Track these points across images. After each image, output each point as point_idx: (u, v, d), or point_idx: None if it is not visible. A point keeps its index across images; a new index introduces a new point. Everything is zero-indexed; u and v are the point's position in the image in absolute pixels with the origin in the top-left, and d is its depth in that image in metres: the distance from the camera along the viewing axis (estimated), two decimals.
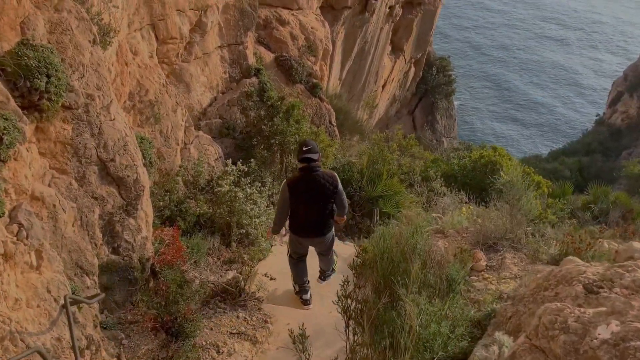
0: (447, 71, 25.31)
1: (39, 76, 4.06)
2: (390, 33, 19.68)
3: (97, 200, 4.76)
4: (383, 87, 21.27)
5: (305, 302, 6.13)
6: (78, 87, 4.71)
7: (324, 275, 6.46)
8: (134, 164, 5.03)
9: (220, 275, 5.75)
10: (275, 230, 5.99)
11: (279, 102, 9.17)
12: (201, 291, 5.08)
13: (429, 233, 4.47)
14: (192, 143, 8.10)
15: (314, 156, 5.45)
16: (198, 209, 7.24)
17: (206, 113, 8.77)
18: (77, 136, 4.63)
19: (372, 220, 9.92)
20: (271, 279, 5.99)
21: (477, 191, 11.02)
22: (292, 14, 13.54)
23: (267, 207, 8.02)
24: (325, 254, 6.22)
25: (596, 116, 50.37)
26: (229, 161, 7.68)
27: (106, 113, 4.94)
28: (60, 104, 4.48)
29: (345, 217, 6.00)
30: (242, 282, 5.82)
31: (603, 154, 39.85)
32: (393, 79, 21.73)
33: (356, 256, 4.14)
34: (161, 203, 7.00)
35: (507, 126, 49.30)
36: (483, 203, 9.18)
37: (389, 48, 20.54)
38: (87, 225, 4.62)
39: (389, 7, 18.29)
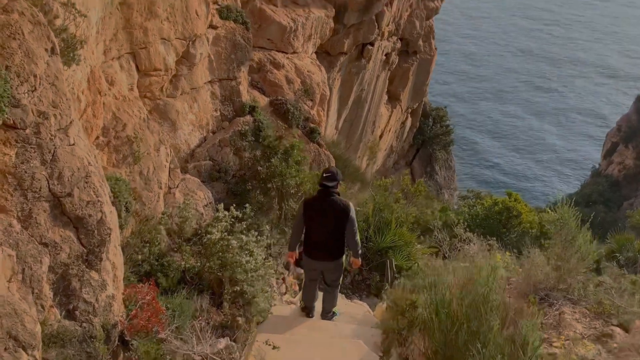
0: (444, 121, 24.75)
1: None
2: (387, 81, 19.13)
3: (47, 248, 3.61)
4: (380, 137, 20.54)
5: (308, 314, 6.60)
6: (27, 102, 3.67)
7: (326, 316, 6.62)
8: (99, 201, 3.92)
9: (210, 345, 4.51)
10: (291, 246, 6.44)
11: (276, 142, 8.20)
12: None
13: (502, 279, 3.32)
14: (177, 187, 7.02)
15: (330, 184, 5.92)
16: (183, 263, 6.08)
17: (194, 154, 7.75)
18: (22, 163, 3.54)
19: (386, 274, 8.75)
20: (274, 347, 4.77)
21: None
22: (287, 58, 12.85)
23: (264, 259, 6.86)
24: (331, 288, 6.50)
25: (592, 168, 50.09)
26: (221, 206, 6.58)
27: (63, 136, 3.88)
28: (0, 122, 3.44)
29: (359, 260, 6.35)
30: (238, 353, 4.59)
31: (604, 205, 39.13)
32: (390, 129, 21.05)
33: (401, 314, 3.02)
34: (139, 256, 5.83)
35: (510, 177, 48.78)
36: (505, 250, 8.11)
37: (385, 97, 19.96)
38: (32, 281, 3.45)
39: (386, 55, 17.79)
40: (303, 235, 6.28)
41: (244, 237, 6.03)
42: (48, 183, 3.66)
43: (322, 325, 6.12)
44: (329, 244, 6.07)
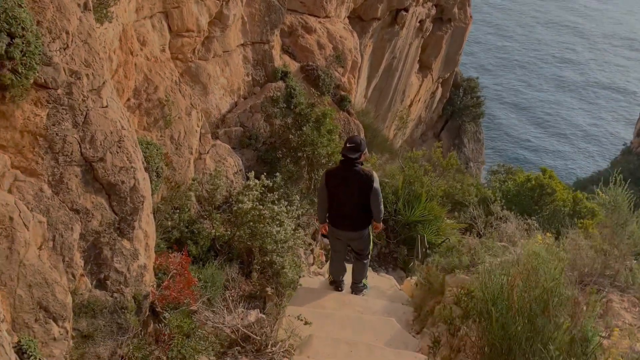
0: (475, 93, 24.03)
1: None
2: (419, 49, 18.54)
3: (79, 214, 3.47)
4: (409, 106, 20.05)
5: (337, 289, 6.49)
6: (58, 60, 3.48)
7: (356, 287, 6.49)
8: (132, 167, 3.75)
9: (241, 318, 4.39)
10: (320, 218, 6.28)
11: (308, 110, 7.93)
12: (215, 342, 3.74)
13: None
14: (208, 153, 6.85)
15: (353, 155, 5.74)
16: (213, 231, 5.95)
17: (225, 120, 7.54)
18: (53, 125, 3.38)
19: (416, 249, 8.55)
20: (306, 323, 4.63)
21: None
22: (319, 22, 12.40)
23: (294, 230, 6.70)
24: (359, 257, 6.37)
25: (623, 145, 48.64)
26: (251, 174, 6.39)
27: (96, 97, 3.69)
28: (31, 80, 3.25)
29: (381, 224, 6.32)
30: (269, 328, 4.46)
31: (635, 184, 37.96)
32: (420, 98, 20.53)
33: (455, 303, 2.81)
34: (169, 223, 5.72)
35: (533, 154, 47.77)
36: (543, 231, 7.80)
37: (417, 66, 19.39)
38: (62, 249, 3.32)
39: (420, 21, 17.18)
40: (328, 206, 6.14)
41: (275, 207, 5.85)
42: (80, 147, 3.50)
43: (351, 300, 5.98)
44: (353, 214, 5.97)
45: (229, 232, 6.12)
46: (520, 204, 12.04)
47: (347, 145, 5.80)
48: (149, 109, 5.97)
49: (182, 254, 4.21)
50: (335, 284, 6.53)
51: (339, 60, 12.15)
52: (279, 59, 8.62)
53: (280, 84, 8.12)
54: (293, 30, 11.77)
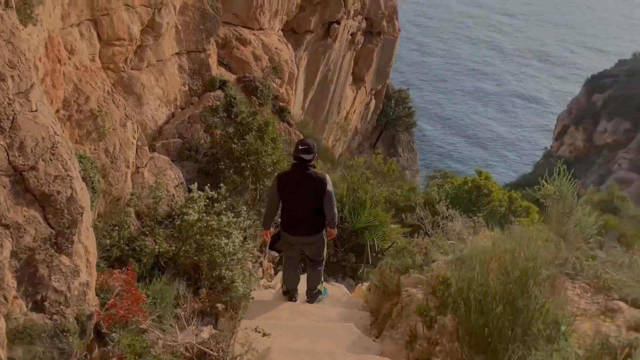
0: (406, 103, 24.65)
1: None
2: (352, 62, 18.78)
3: (9, 230, 3.11)
4: (345, 118, 20.23)
5: (291, 299, 6.24)
6: None
7: (311, 295, 6.34)
8: (68, 175, 3.42)
9: (195, 334, 4.10)
10: (265, 224, 6.09)
11: (250, 119, 7.74)
12: None
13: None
14: (146, 166, 6.50)
15: (307, 156, 5.61)
16: (157, 247, 5.60)
17: (162, 131, 7.21)
18: None
19: (365, 254, 8.49)
20: (264, 334, 4.39)
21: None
22: (254, 34, 12.28)
23: (242, 241, 6.45)
24: (314, 263, 6.21)
25: (544, 149, 51.51)
26: (194, 186, 6.10)
27: (24, 101, 3.35)
28: None
29: (335, 230, 6.09)
30: (224, 343, 4.20)
31: None
32: (355, 110, 20.77)
33: (431, 292, 2.69)
34: (108, 241, 5.33)
35: (460, 164, 49.64)
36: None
37: (350, 79, 19.63)
38: None
39: (351, 34, 17.42)
40: (280, 212, 6.04)
41: (223, 217, 5.59)
42: (7, 154, 3.15)
43: (306, 309, 5.79)
44: (307, 218, 5.81)
45: (173, 248, 5.78)
46: (458, 206, 12.32)
47: (300, 147, 5.68)
48: (80, 120, 5.58)
49: (127, 269, 3.88)
50: (289, 294, 6.30)
51: (275, 72, 12.04)
52: (216, 68, 8.39)
53: (219, 93, 7.90)
54: (227, 42, 11.57)
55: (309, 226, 5.85)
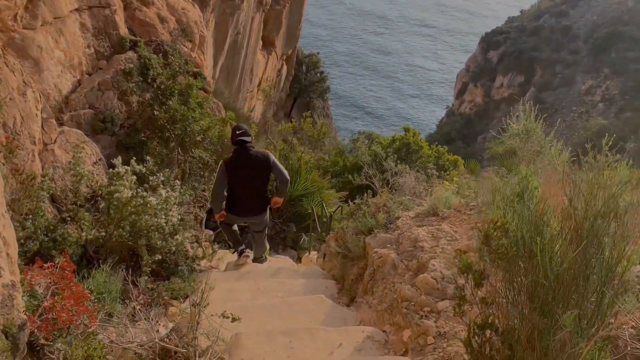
0: (318, 68, 24.16)
1: None
2: (262, 25, 17.88)
3: None
4: (258, 86, 19.40)
5: (243, 252, 6.56)
6: None
7: (259, 261, 6.60)
8: None
9: (157, 331, 3.38)
10: (217, 209, 6.03)
11: (170, 82, 6.84)
12: None
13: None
14: (55, 142, 5.48)
15: (247, 138, 5.79)
16: (84, 234, 4.71)
17: (69, 102, 6.15)
18: None
19: (316, 222, 7.98)
20: (233, 319, 3.75)
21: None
22: None
23: (180, 220, 5.70)
24: (259, 236, 6.44)
25: (445, 108, 53.51)
26: (118, 160, 5.22)
27: None
28: None
29: (281, 199, 6.25)
30: (191, 334, 3.52)
31: (462, 141, 42.03)
32: (267, 77, 19.95)
33: (483, 243, 2.20)
34: (21, 233, 4.39)
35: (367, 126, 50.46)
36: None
37: (260, 43, 18.73)
38: None
39: None
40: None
41: (162, 192, 4.80)
42: None
43: (266, 286, 5.19)
44: (254, 200, 5.98)
45: (103, 234, 4.91)
46: (381, 170, 12.16)
47: (237, 132, 5.79)
48: None
49: (63, 261, 3.05)
50: (241, 251, 6.61)
51: (185, 34, 10.97)
52: (124, 27, 7.34)
53: (131, 54, 6.90)
54: (128, 3, 10.30)
55: (258, 206, 6.02)
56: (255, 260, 6.58)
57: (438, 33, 73.55)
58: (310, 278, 5.63)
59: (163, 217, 5.04)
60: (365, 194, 6.47)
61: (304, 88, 23.46)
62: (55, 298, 2.68)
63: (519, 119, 4.93)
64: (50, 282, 3.00)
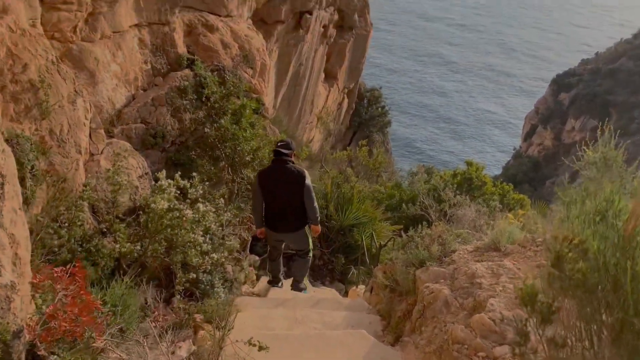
0: (380, 102, 23.93)
1: None
2: (325, 57, 17.93)
3: None
4: (318, 119, 19.33)
5: (276, 285, 6.38)
6: None
7: (297, 287, 6.35)
8: None
9: (172, 353, 3.07)
10: (257, 223, 5.86)
11: (224, 101, 6.73)
12: None
13: None
14: (102, 153, 5.42)
15: (285, 150, 5.62)
16: (118, 246, 4.53)
17: (122, 115, 6.13)
18: None
19: (367, 256, 7.55)
20: (260, 348, 3.38)
21: None
22: (222, 20, 11.25)
23: (222, 239, 5.45)
24: (300, 253, 6.15)
25: (513, 150, 51.75)
26: (162, 174, 5.06)
27: None
28: None
29: (319, 226, 5.96)
30: None
31: (529, 184, 40.30)
32: (328, 109, 19.89)
33: (553, 265, 1.76)
34: (55, 241, 4.25)
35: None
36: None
37: (322, 75, 18.77)
38: None
39: (323, 26, 16.57)
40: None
41: (200, 206, 4.57)
42: None
43: (305, 315, 4.79)
44: (288, 214, 5.72)
45: (138, 247, 4.71)
46: (438, 200, 11.58)
47: (279, 143, 5.75)
48: (16, 93, 4.50)
49: (74, 266, 2.82)
50: (274, 280, 6.41)
51: (247, 61, 11.03)
52: (183, 45, 7.37)
53: (187, 72, 6.88)
54: (193, 28, 10.50)
55: (291, 222, 5.76)
56: (294, 284, 6.37)
57: (501, 76, 72.24)
58: (354, 311, 5.18)
59: (200, 232, 4.79)
60: (420, 225, 6.00)
61: (364, 122, 23.24)
62: (58, 305, 2.41)
63: (595, 147, 4.36)
64: (62, 289, 2.76)
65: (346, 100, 21.97)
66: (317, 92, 18.10)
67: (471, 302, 4.03)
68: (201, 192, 4.81)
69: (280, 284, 6.38)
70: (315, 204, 5.76)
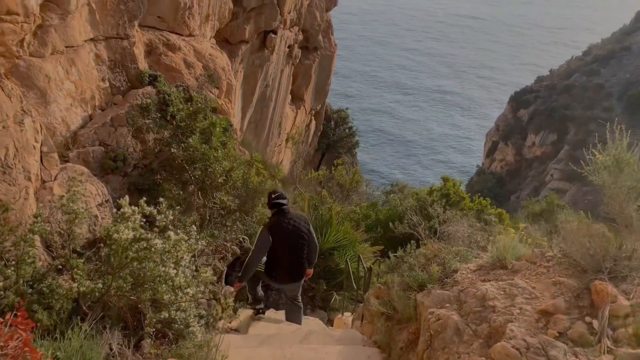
0: (347, 123, 23.70)
1: None
2: (291, 78, 17.57)
3: None
4: (286, 141, 18.89)
5: (258, 312, 6.12)
6: None
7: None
8: None
9: None
10: (244, 277, 5.56)
11: (191, 119, 6.18)
12: None
13: None
14: (55, 179, 4.79)
15: (285, 201, 5.47)
16: (76, 286, 3.89)
17: (78, 138, 5.51)
18: None
19: (353, 281, 7.02)
20: None
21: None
22: (184, 40, 10.76)
23: (195, 270, 4.85)
24: (295, 302, 5.96)
25: (476, 167, 52.37)
26: (124, 200, 4.45)
27: None
28: None
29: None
30: None
31: (494, 200, 40.54)
32: (296, 132, 19.48)
33: None
34: (0, 283, 3.61)
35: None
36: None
37: (289, 97, 18.39)
38: None
39: (289, 47, 16.23)
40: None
41: (171, 234, 3.99)
42: None
43: (295, 353, 4.23)
44: (301, 264, 5.52)
45: (100, 286, 4.08)
46: (426, 217, 11.21)
47: (273, 196, 5.49)
48: None
49: (18, 315, 2.22)
50: (259, 309, 6.17)
51: (212, 81, 10.52)
52: (144, 61, 6.81)
53: (150, 89, 6.32)
54: (153, 48, 9.95)
55: (301, 271, 5.56)
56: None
57: (455, 98, 73.89)
58: (348, 344, 4.64)
59: (172, 265, 4.20)
60: (409, 245, 5.54)
61: (332, 143, 22.93)
62: None
63: (605, 149, 4.00)
64: (2, 344, 2.15)
65: (314, 121, 21.64)
66: (284, 113, 17.68)
67: (486, 328, 3.57)
68: (171, 217, 4.21)
69: (262, 311, 6.17)
70: (317, 244, 5.73)
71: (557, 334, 3.32)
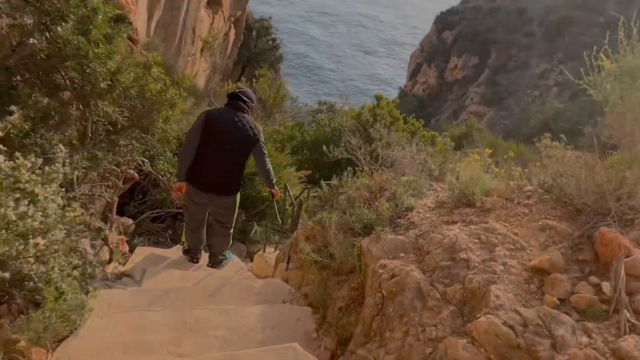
0: (270, 35, 21.81)
1: None
2: None
3: None
4: (202, 50, 16.96)
5: (192, 259, 5.24)
6: None
7: (216, 260, 5.27)
8: None
9: None
10: (181, 174, 4.60)
11: (63, 0, 4.58)
12: None
13: None
14: None
15: (245, 98, 4.69)
16: None
17: None
18: None
19: (277, 212, 5.96)
20: None
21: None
22: None
23: (63, 207, 3.55)
24: (222, 228, 5.06)
25: (399, 89, 52.02)
26: None
27: None
28: None
29: (277, 189, 5.08)
30: None
31: (417, 119, 40.58)
32: (212, 36, 17.49)
33: None
34: None
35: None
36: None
37: (205, 0, 16.26)
38: None
39: None
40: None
41: (18, 161, 2.65)
42: None
43: (199, 318, 3.15)
44: (224, 173, 4.66)
45: None
46: (367, 140, 10.30)
47: (237, 90, 4.78)
48: None
49: None
50: (191, 253, 5.22)
51: None
52: None
53: None
54: None
55: (225, 184, 4.69)
56: (213, 258, 5.26)
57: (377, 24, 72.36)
58: (271, 301, 3.63)
59: (23, 201, 2.91)
60: (346, 172, 4.52)
61: (253, 56, 21.09)
62: None
63: (617, 55, 3.03)
64: None
65: (233, 30, 19.61)
66: (199, 17, 15.65)
67: (459, 290, 2.65)
68: (17, 145, 2.85)
69: (197, 259, 5.26)
70: (269, 165, 4.83)
71: (558, 302, 2.48)
